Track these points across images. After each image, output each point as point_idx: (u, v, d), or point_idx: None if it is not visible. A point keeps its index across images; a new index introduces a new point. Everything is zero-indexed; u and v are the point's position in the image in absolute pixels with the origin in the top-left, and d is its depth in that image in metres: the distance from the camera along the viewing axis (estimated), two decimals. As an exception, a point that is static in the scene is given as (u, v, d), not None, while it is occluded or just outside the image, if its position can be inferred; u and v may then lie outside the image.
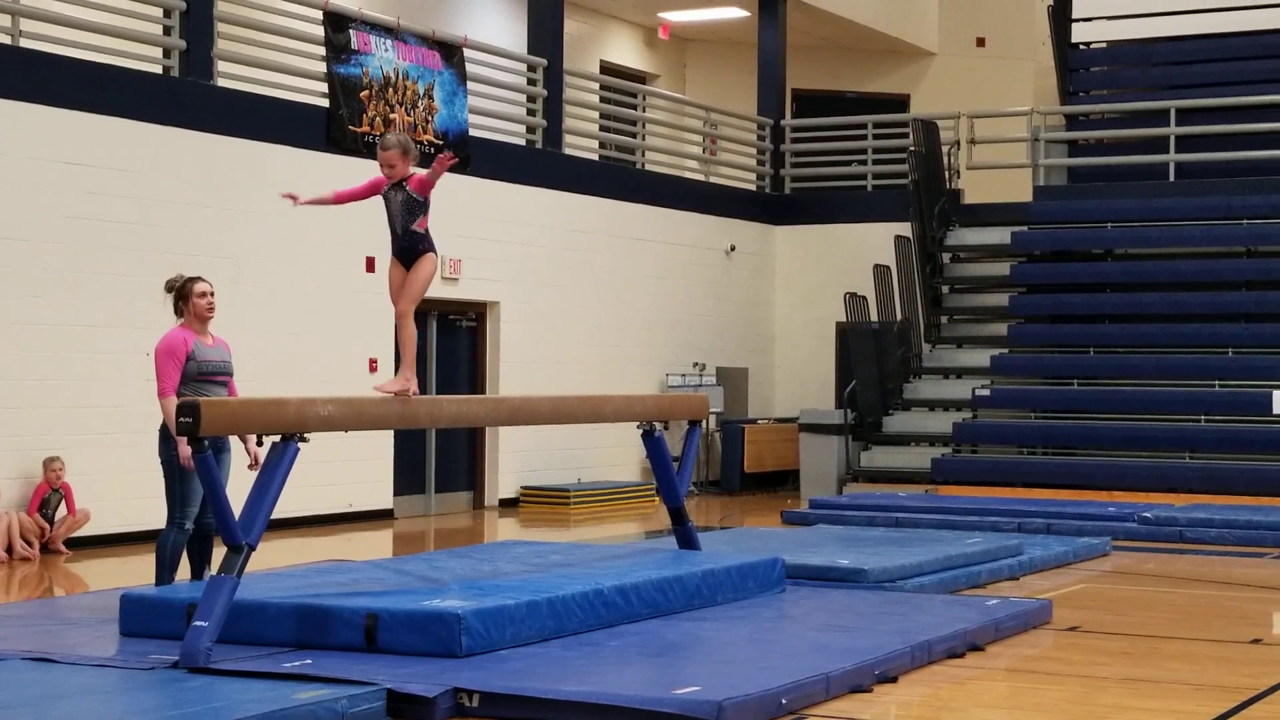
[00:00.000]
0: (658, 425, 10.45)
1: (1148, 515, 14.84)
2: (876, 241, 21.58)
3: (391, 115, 16.37)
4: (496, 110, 18.56)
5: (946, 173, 22.15)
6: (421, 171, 8.63)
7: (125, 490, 13.69)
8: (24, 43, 13.51)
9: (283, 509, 8.51)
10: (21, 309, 13.06)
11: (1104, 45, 24.73)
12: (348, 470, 15.60)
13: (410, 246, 8.62)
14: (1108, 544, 13.74)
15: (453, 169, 17.17)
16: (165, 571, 9.12)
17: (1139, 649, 8.90)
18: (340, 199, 9.03)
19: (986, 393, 19.81)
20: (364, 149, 16.05)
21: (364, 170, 15.94)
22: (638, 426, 10.45)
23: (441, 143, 16.99)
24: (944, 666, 8.14)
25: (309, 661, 7.37)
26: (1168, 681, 7.93)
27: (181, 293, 9.36)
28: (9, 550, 12.62)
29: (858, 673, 7.49)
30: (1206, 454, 18.36)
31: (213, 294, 9.43)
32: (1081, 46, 24.50)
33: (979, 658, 8.45)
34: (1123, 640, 9.22)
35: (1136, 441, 18.77)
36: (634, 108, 21.78)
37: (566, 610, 8.23)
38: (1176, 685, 7.84)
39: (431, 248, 8.66)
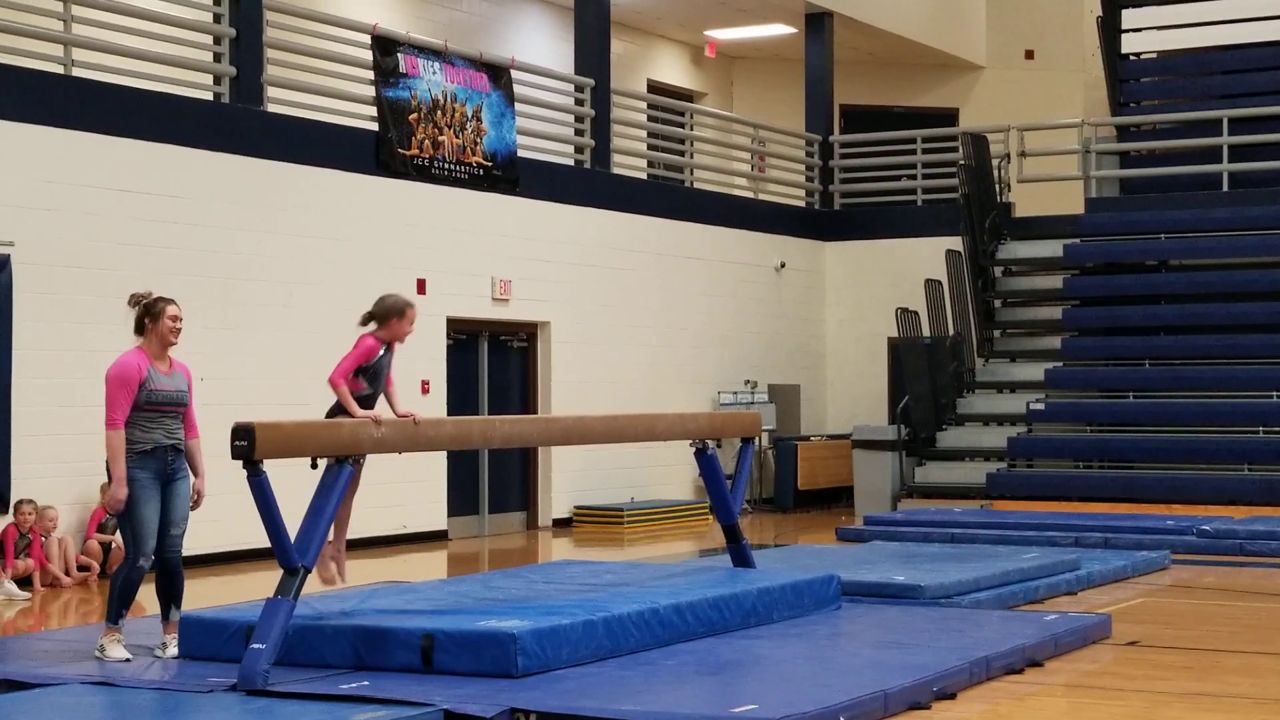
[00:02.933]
0: (710, 443, 10.43)
1: (1207, 528, 14.72)
2: (927, 256, 21.51)
3: (440, 137, 16.42)
4: (545, 131, 18.60)
5: (997, 186, 22.08)
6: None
7: (181, 514, 13.73)
8: (76, 71, 13.61)
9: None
10: (74, 336, 13.14)
11: (1154, 55, 24.61)
12: (402, 492, 15.63)
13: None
14: (1167, 558, 13.64)
15: (501, 190, 17.34)
16: (116, 607, 8.43)
17: (1200, 663, 8.83)
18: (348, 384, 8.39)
19: (1041, 407, 19.71)
20: (413, 172, 16.10)
21: (413, 193, 16.06)
22: (690, 445, 10.44)
23: (490, 164, 17.04)
24: (1003, 683, 8.10)
25: (366, 683, 7.38)
26: (1229, 696, 7.85)
27: (150, 311, 8.55)
28: (67, 573, 12.69)
29: (916, 689, 7.45)
30: (1265, 465, 18.20)
31: (181, 318, 8.67)
32: (1131, 57, 24.39)
33: (1038, 673, 8.40)
34: (1183, 655, 9.14)
35: (1194, 454, 18.63)
36: (682, 126, 21.79)
37: (622, 629, 8.22)
38: (1238, 699, 7.76)
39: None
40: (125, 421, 8.37)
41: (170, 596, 8.60)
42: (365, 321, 8.59)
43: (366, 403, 8.42)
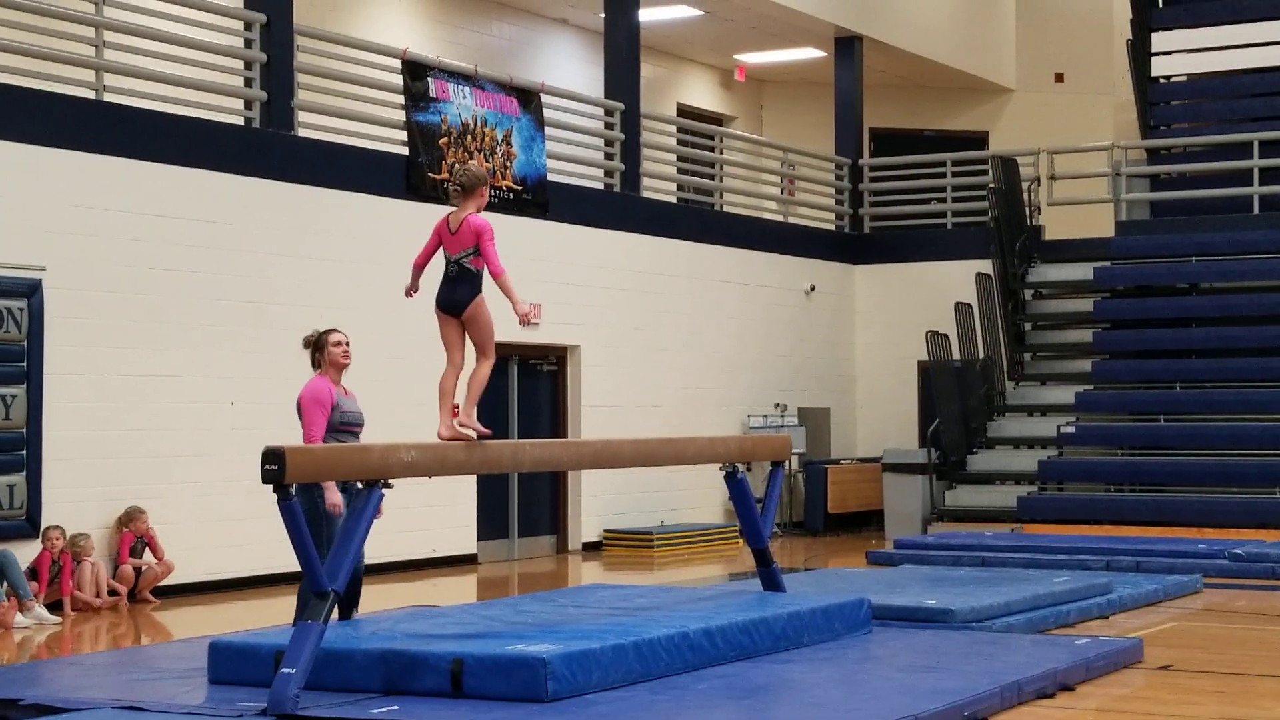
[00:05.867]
0: (740, 467, 10.43)
1: (1238, 552, 14.64)
2: (957, 279, 21.47)
3: (470, 161, 16.46)
4: (574, 155, 18.63)
5: (1027, 209, 22.03)
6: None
7: (210, 539, 13.78)
8: (108, 97, 13.68)
9: (367, 555, 8.54)
10: (107, 360, 13.19)
11: (1184, 78, 24.54)
12: (431, 516, 15.65)
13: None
14: (1198, 581, 13.58)
15: (531, 213, 17.36)
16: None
17: (1232, 688, 8.78)
18: (420, 265, 8.94)
19: (1071, 430, 19.64)
20: (444, 196, 16.12)
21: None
22: (720, 468, 10.43)
23: (520, 188, 17.07)
24: (1034, 707, 8.06)
25: (395, 707, 7.38)
26: (1263, 720, 7.81)
27: (318, 344, 9.62)
28: (96, 596, 12.71)
29: (946, 714, 7.42)
30: (1297, 489, 18.12)
31: (348, 343, 9.71)
32: (1161, 80, 24.32)
33: (1069, 698, 8.36)
34: (1215, 679, 9.09)
35: (1225, 477, 18.56)
36: (711, 150, 21.81)
37: (652, 653, 8.20)
38: (1272, 724, 7.72)
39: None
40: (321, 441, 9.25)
41: (353, 602, 9.51)
42: (457, 194, 8.79)
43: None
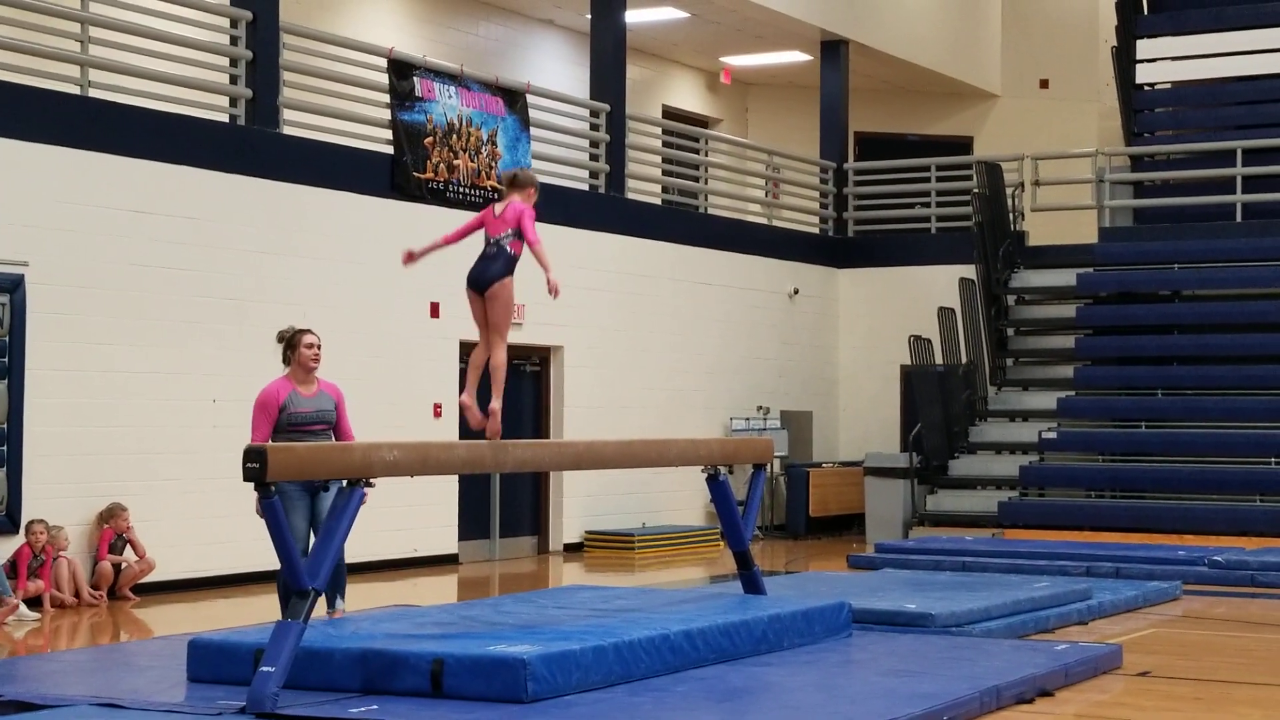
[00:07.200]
0: (722, 469, 10.43)
1: (1218, 559, 14.68)
2: (941, 284, 21.51)
3: (455, 161, 16.45)
4: (560, 156, 18.62)
5: (1011, 215, 22.07)
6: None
7: (190, 536, 13.76)
8: (93, 93, 13.65)
9: (348, 554, 8.53)
10: (89, 356, 13.16)
11: (1168, 86, 24.60)
12: (413, 515, 15.64)
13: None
14: (1178, 588, 13.60)
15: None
16: (282, 603, 9.56)
17: (1211, 694, 8.80)
18: (448, 240, 9.35)
19: (1053, 435, 19.67)
20: (428, 195, 16.12)
21: (428, 216, 16.07)
22: (702, 470, 10.44)
23: (505, 188, 17.03)
24: (1013, 712, 8.07)
25: (375, 707, 7.37)
26: (1241, 727, 7.83)
27: (290, 343, 10.00)
28: (76, 595, 12.68)
29: (926, 718, 7.42)
30: (1277, 497, 18.14)
31: (319, 345, 10.07)
32: (1146, 87, 24.38)
33: (1048, 703, 8.37)
34: (1194, 685, 9.11)
35: (1206, 484, 18.59)
36: (696, 152, 21.82)
37: (633, 655, 8.20)
38: (1250, 731, 7.74)
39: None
40: (269, 442, 9.50)
41: (335, 588, 9.97)
42: (510, 184, 9.44)
43: None
